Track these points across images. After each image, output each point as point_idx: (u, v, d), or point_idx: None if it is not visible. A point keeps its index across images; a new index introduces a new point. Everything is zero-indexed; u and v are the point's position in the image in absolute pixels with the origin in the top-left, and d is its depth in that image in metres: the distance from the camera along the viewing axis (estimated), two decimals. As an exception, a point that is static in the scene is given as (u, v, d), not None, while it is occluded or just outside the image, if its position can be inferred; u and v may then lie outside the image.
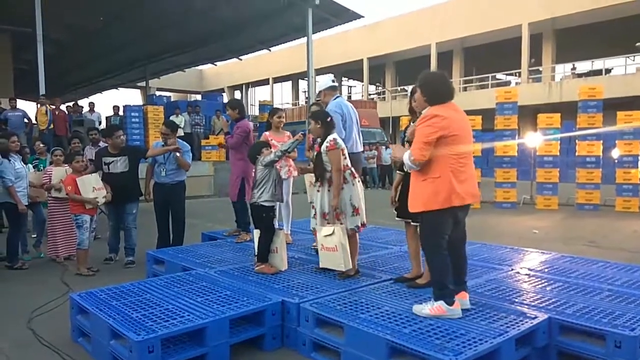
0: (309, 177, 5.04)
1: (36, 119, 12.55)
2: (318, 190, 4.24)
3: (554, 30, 24.35)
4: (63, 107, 13.64)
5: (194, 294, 3.70)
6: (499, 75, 29.23)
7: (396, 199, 4.06)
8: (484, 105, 19.12)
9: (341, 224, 4.08)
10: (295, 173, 5.51)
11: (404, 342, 2.77)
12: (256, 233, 4.48)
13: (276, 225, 4.64)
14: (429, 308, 3.18)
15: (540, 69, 25.46)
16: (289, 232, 5.60)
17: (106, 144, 6.05)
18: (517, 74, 26.47)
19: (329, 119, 4.25)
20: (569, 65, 26.22)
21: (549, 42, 24.76)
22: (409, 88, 4.85)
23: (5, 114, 12.24)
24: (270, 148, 4.61)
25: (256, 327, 3.42)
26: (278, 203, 4.92)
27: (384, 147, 18.30)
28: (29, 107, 17.03)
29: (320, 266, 4.25)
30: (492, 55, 26.94)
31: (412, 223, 3.96)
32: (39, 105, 12.58)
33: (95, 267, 5.52)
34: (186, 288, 3.86)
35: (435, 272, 3.29)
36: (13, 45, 17.99)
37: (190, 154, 6.10)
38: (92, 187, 5.38)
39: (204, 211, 10.15)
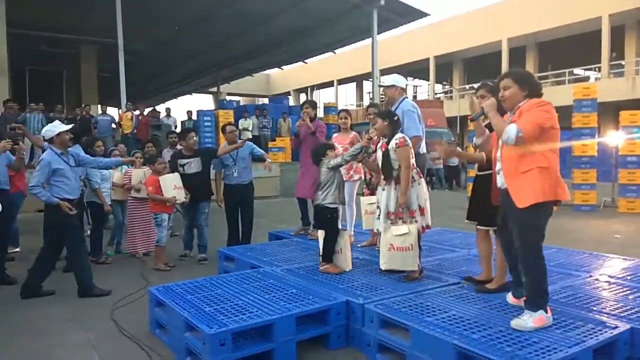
0: (366, 207, 5.04)
1: (120, 124, 13.52)
2: (383, 189, 4.21)
3: (639, 20, 22.57)
4: (145, 112, 14.57)
5: (262, 290, 3.81)
6: (577, 71, 27.52)
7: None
8: (560, 103, 17.78)
9: (404, 222, 4.02)
10: (356, 176, 5.55)
11: (473, 347, 2.70)
12: (321, 234, 4.54)
13: (340, 226, 4.68)
14: (533, 320, 2.94)
15: (623, 62, 23.69)
16: (352, 232, 5.63)
17: (182, 147, 6.39)
18: (597, 69, 24.80)
19: (395, 118, 4.24)
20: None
21: (633, 34, 22.98)
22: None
23: (95, 118, 13.33)
24: (334, 150, 4.67)
25: (321, 326, 3.47)
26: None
27: (451, 147, 17.82)
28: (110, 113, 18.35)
29: (385, 268, 4.14)
30: (568, 49, 25.40)
31: (479, 227, 3.84)
32: (122, 110, 13.57)
33: (171, 262, 5.83)
34: (254, 285, 3.99)
35: (539, 277, 3.00)
36: (98, 56, 19.44)
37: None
38: (174, 185, 5.70)
39: (270, 211, 10.41)
